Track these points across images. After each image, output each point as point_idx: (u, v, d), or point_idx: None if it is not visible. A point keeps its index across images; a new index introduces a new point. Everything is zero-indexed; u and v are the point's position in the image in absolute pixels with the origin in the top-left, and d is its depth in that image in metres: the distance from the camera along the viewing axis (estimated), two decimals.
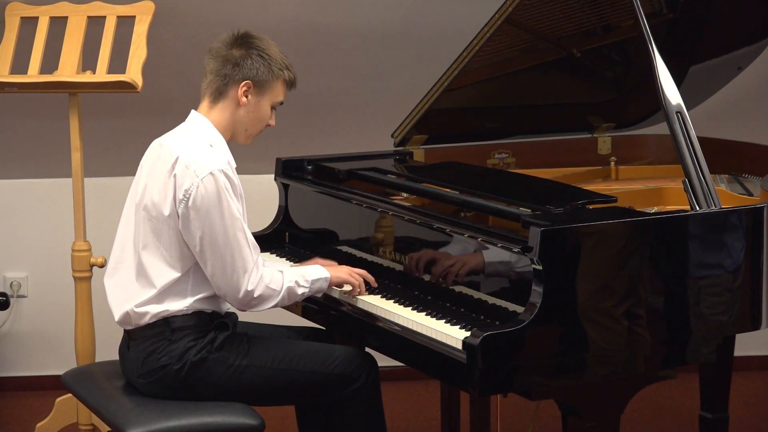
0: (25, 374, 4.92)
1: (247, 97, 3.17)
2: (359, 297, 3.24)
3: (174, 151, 3.12)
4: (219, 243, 3.06)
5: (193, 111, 3.23)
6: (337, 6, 4.26)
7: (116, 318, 3.20)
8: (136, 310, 3.13)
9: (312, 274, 3.22)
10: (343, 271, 3.27)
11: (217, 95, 3.18)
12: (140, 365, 3.14)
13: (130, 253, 3.18)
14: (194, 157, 3.08)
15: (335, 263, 3.39)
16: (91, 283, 4.04)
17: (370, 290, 3.29)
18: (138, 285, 3.15)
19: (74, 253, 4.01)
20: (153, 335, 3.13)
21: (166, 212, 3.09)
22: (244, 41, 3.17)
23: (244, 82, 3.16)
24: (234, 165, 3.15)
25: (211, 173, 3.05)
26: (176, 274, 3.11)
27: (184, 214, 3.06)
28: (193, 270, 3.13)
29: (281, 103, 3.26)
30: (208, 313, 3.16)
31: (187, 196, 3.05)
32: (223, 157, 3.12)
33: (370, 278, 3.29)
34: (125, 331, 3.22)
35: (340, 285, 3.27)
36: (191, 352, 3.11)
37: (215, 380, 3.12)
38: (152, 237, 3.13)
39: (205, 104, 3.21)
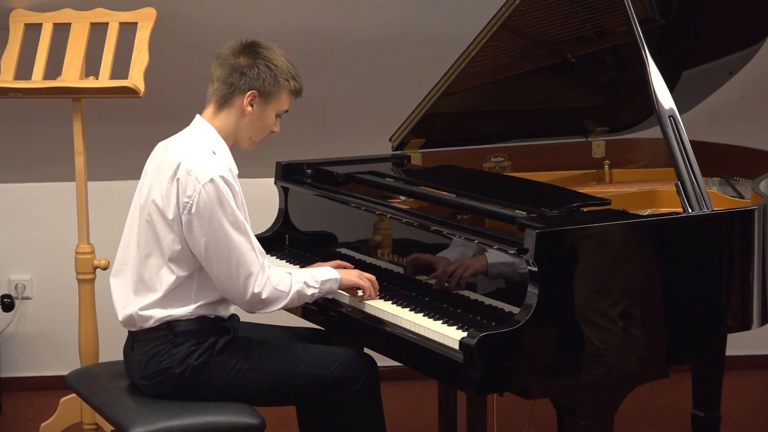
0: (30, 375, 4.92)
1: (252, 106, 3.16)
2: (366, 302, 3.22)
3: (177, 156, 3.11)
4: (223, 247, 3.05)
5: (197, 116, 3.22)
6: (335, 12, 4.26)
7: (120, 318, 3.20)
8: (141, 313, 3.13)
9: (321, 276, 3.20)
10: (353, 274, 3.25)
11: (223, 103, 3.17)
12: (143, 367, 3.14)
13: (134, 256, 3.18)
14: (196, 164, 3.07)
15: (341, 262, 3.39)
16: (94, 284, 4.03)
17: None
18: (142, 288, 3.14)
19: (78, 255, 4.01)
20: (156, 338, 3.13)
21: (170, 216, 3.08)
22: (251, 50, 3.16)
23: (250, 92, 3.14)
24: (236, 172, 3.14)
25: (211, 180, 3.04)
26: (178, 278, 3.10)
27: (188, 221, 3.06)
28: (196, 275, 3.12)
29: (286, 111, 3.25)
30: (211, 318, 3.16)
31: (189, 203, 3.04)
32: (225, 164, 3.11)
33: (376, 285, 3.26)
34: (129, 332, 3.22)
35: (350, 287, 3.25)
36: (193, 356, 3.10)
37: (216, 383, 3.12)
38: (154, 241, 3.12)
39: (210, 110, 3.20)
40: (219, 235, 3.05)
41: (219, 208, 3.05)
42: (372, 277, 3.27)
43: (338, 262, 3.39)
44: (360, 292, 3.26)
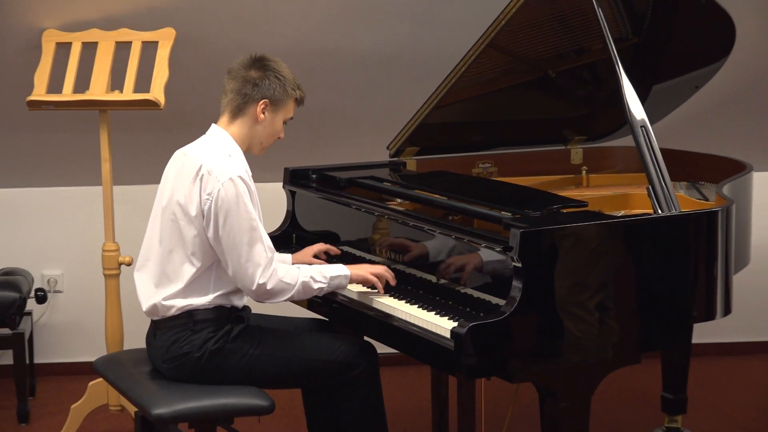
0: (61, 361, 4.93)
1: (264, 114, 3.18)
2: (374, 297, 3.20)
3: (198, 159, 3.13)
4: (236, 240, 3.06)
5: (213, 125, 3.23)
6: (339, 32, 4.26)
7: (144, 308, 3.20)
8: (164, 303, 3.14)
9: (331, 271, 3.19)
10: (364, 270, 3.22)
11: (237, 112, 3.19)
12: (165, 352, 3.15)
13: (156, 252, 3.19)
14: (215, 165, 3.09)
15: (322, 244, 3.40)
16: (119, 279, 4.03)
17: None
18: (164, 280, 3.15)
19: (104, 252, 4.01)
20: (177, 326, 3.14)
21: (193, 212, 3.10)
22: (261, 63, 3.18)
23: (263, 101, 3.16)
24: (250, 173, 3.16)
25: (230, 179, 3.06)
26: (198, 270, 3.11)
27: (208, 215, 3.07)
28: (215, 267, 3.13)
29: (291, 119, 3.27)
30: (227, 307, 3.17)
31: (210, 199, 3.06)
32: (241, 166, 3.13)
33: (390, 275, 3.22)
34: (152, 321, 3.22)
35: (360, 283, 3.23)
36: (210, 342, 3.11)
37: (231, 367, 3.13)
38: (177, 237, 3.13)
39: (224, 119, 3.21)
40: (234, 229, 3.06)
41: (235, 204, 3.06)
42: (381, 268, 3.23)
43: (321, 244, 3.41)
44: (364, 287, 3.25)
